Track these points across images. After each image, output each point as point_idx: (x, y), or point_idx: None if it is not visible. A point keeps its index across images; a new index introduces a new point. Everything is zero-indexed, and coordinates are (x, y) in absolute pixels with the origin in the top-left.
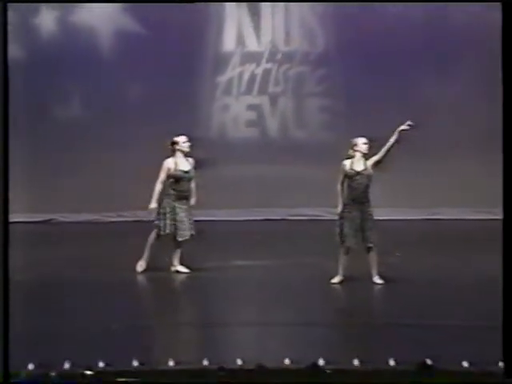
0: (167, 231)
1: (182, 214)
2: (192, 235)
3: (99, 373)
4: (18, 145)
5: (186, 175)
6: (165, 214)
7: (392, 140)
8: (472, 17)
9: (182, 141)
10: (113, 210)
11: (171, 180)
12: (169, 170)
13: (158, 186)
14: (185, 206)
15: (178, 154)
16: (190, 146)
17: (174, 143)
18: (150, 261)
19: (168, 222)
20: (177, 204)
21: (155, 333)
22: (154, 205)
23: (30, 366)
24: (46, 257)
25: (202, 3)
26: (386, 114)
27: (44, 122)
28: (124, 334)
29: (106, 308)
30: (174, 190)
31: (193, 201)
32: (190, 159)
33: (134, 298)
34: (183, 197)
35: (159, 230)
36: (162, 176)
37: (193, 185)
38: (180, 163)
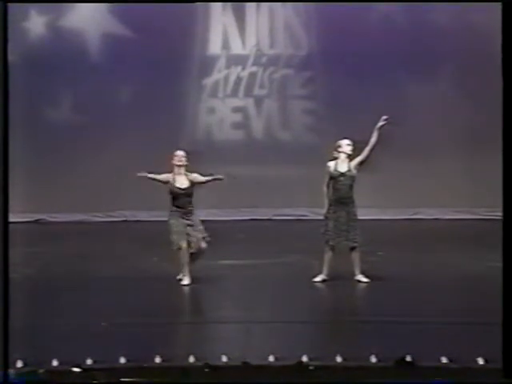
0: (178, 245)
1: (189, 228)
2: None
3: (87, 370)
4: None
5: (183, 192)
6: (173, 229)
7: (373, 139)
8: (454, 17)
9: (180, 155)
10: (101, 210)
11: (170, 196)
12: (167, 182)
13: (156, 176)
14: (190, 220)
15: (176, 170)
16: (183, 162)
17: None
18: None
19: (175, 236)
20: (181, 219)
21: (142, 330)
22: (142, 173)
23: (19, 364)
24: (31, 255)
25: (190, 5)
26: (370, 115)
27: (33, 123)
28: (111, 332)
29: (91, 306)
30: (175, 206)
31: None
32: (192, 174)
33: (120, 296)
34: (186, 212)
35: (172, 245)
36: (160, 176)
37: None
38: (177, 180)
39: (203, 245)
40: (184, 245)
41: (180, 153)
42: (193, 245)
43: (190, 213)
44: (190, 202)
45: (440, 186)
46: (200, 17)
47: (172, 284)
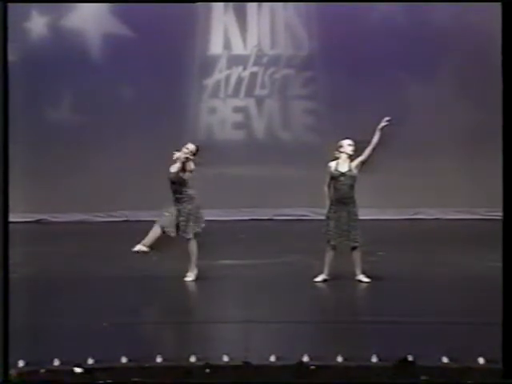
0: (167, 230)
1: (182, 217)
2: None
3: (88, 370)
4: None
5: (170, 177)
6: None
7: (375, 139)
8: (454, 17)
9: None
10: (102, 210)
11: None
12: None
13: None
14: (186, 208)
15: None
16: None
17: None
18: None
19: (169, 222)
20: (177, 207)
21: (143, 330)
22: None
23: (20, 364)
24: (31, 255)
25: (191, 5)
26: (371, 115)
27: (33, 123)
28: (112, 331)
29: (92, 305)
30: (172, 192)
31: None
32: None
33: (121, 296)
34: (176, 198)
35: (162, 228)
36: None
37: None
38: (173, 167)
39: (172, 233)
40: (164, 230)
41: (191, 146)
42: (180, 232)
43: (180, 200)
44: (180, 191)
45: (440, 185)
46: (201, 17)
47: (172, 284)
